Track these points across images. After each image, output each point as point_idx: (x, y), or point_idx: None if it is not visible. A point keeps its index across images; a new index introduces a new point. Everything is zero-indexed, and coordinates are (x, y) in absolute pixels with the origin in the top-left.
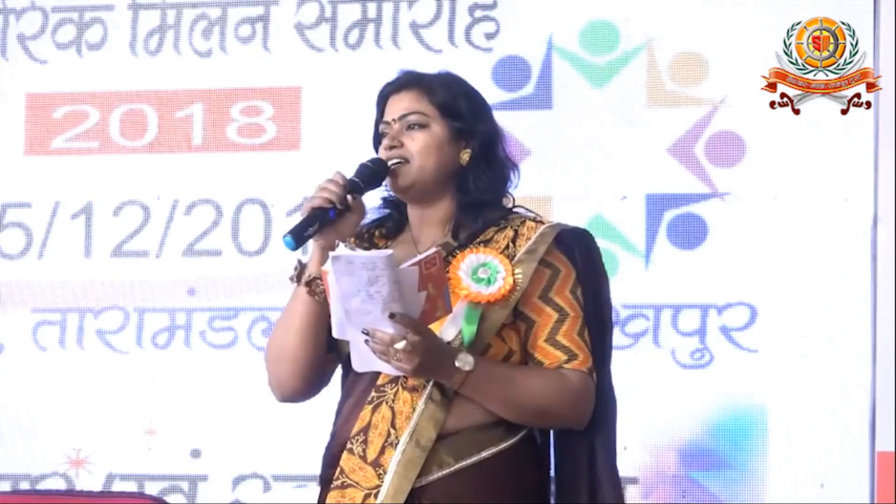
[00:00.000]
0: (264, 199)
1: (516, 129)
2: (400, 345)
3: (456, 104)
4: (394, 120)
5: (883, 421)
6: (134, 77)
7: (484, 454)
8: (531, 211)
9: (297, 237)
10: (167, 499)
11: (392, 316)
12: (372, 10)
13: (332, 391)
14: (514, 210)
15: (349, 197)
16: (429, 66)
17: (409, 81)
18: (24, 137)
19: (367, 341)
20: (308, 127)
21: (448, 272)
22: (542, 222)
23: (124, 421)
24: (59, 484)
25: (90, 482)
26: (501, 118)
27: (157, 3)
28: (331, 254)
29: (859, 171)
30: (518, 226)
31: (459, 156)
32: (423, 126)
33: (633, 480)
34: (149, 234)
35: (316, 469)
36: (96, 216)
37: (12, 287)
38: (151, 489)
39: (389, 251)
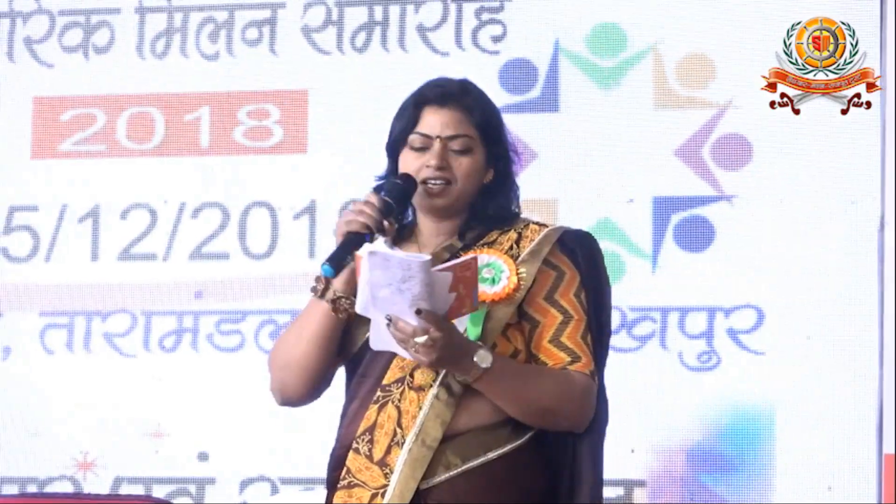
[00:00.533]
0: (271, 201)
1: (523, 132)
2: (420, 339)
3: (492, 125)
4: (438, 137)
5: (889, 423)
6: (141, 80)
7: (491, 455)
8: (533, 216)
9: (337, 265)
10: (175, 502)
11: (418, 312)
12: (378, 12)
13: (338, 393)
14: (518, 214)
15: (385, 222)
16: (435, 68)
17: (450, 97)
18: (31, 141)
19: (388, 325)
20: (315, 130)
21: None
22: (545, 226)
23: (132, 424)
24: (66, 487)
25: (98, 485)
26: (508, 121)
27: (164, 6)
28: (368, 247)
29: (865, 174)
30: (521, 229)
31: (486, 174)
32: (469, 151)
33: (641, 483)
34: (156, 237)
35: (323, 471)
36: (103, 219)
37: (20, 290)
38: (159, 492)
39: (428, 256)
